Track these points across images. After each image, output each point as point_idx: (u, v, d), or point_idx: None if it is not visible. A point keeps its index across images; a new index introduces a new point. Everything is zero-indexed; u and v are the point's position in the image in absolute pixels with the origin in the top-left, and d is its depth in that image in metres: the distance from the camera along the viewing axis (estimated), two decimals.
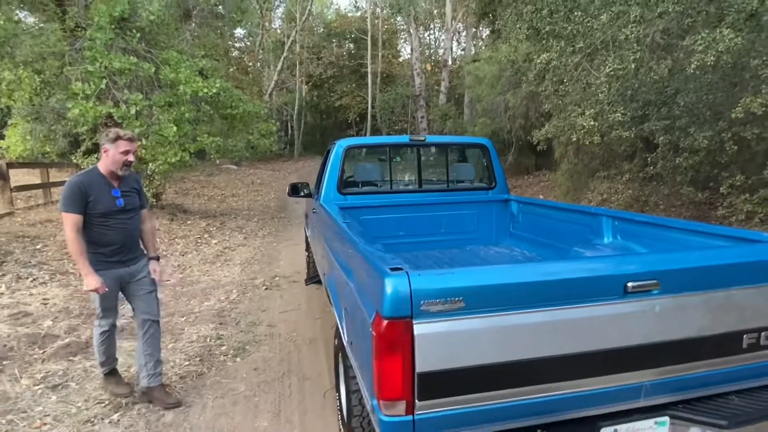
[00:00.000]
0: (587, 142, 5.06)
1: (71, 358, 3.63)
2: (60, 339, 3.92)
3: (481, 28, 25.40)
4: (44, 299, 4.78)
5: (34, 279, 5.28)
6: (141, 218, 3.01)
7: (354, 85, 29.49)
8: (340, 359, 2.77)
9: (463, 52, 24.23)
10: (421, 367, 1.48)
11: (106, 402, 3.04)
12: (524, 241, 3.96)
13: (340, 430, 2.66)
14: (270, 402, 3.11)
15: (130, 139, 2.81)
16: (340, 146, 3.97)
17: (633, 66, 4.09)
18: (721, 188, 5.20)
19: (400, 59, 32.41)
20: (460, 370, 1.51)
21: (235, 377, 3.44)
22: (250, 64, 21.46)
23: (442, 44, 28.15)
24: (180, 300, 5.05)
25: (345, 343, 2.25)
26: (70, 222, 2.66)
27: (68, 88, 6.51)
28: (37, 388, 3.19)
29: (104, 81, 6.30)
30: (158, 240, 3.32)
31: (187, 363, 3.61)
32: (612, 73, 4.26)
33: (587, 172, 8.43)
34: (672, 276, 1.67)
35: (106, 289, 2.74)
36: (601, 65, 4.49)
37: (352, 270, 1.99)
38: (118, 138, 2.75)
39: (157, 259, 3.09)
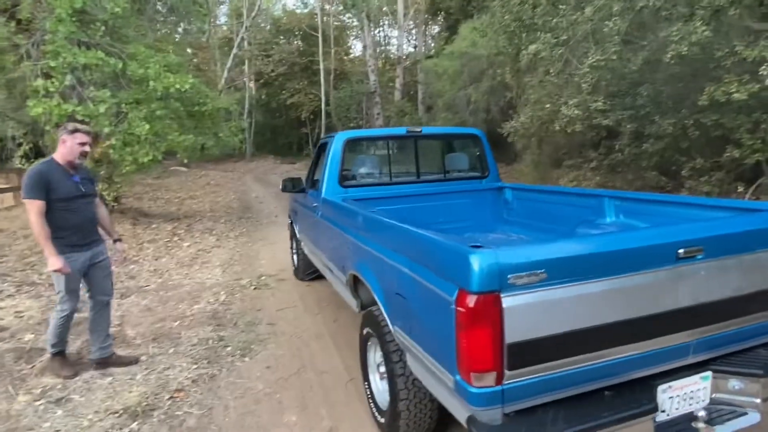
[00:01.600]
0: (568, 131, 5.35)
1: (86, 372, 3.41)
2: (47, 352, 3.66)
3: (431, 25, 25.84)
4: (17, 312, 4.44)
5: (0, 292, 4.88)
6: (99, 202, 3.33)
7: (306, 82, 29.09)
8: (372, 349, 2.80)
9: (414, 50, 24.55)
10: (510, 337, 1.54)
11: (120, 411, 2.89)
12: (520, 226, 4.11)
13: (376, 416, 2.68)
14: (293, 398, 3.08)
15: (88, 132, 3.14)
16: (339, 139, 3.95)
17: (615, 57, 4.39)
18: (683, 171, 5.64)
19: (351, 56, 32.34)
20: (543, 339, 1.58)
21: (249, 377, 3.36)
22: (205, 60, 20.69)
23: (393, 41, 28.41)
24: (168, 304, 4.84)
25: (391, 329, 2.28)
26: (35, 207, 2.88)
27: (29, 85, 6.01)
28: (38, 403, 2.98)
29: (68, 77, 5.87)
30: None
31: (195, 366, 3.48)
32: (595, 64, 4.53)
33: (551, 162, 8.84)
34: (713, 242, 1.82)
35: (68, 270, 2.96)
36: (584, 57, 4.76)
37: (407, 255, 2.02)
38: (76, 130, 3.06)
39: (120, 239, 3.52)
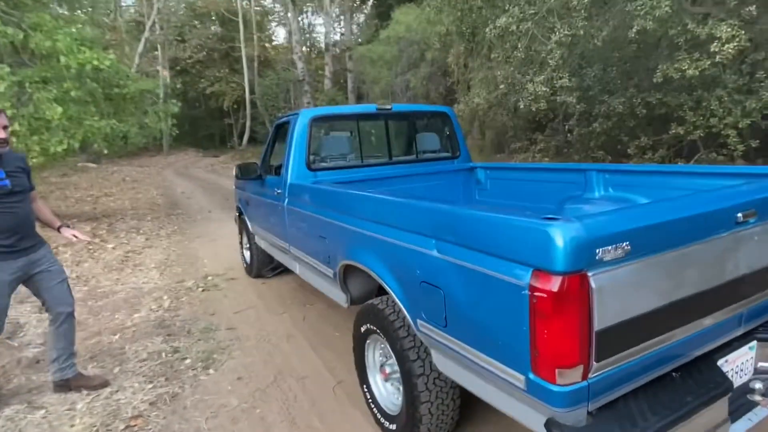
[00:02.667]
0: (533, 108, 5.32)
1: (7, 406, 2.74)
2: None
3: (357, 14, 25.40)
4: None
5: None
6: (32, 198, 2.76)
7: (227, 70, 27.49)
8: (371, 347, 2.49)
9: (342, 37, 24.00)
10: (599, 323, 1.31)
11: None
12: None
13: (382, 422, 2.37)
14: (277, 411, 2.68)
15: None
16: (304, 118, 3.54)
17: (582, 33, 4.37)
18: (628, 150, 5.86)
19: (275, 43, 31.05)
20: (628, 322, 1.37)
21: (218, 392, 2.90)
22: (114, 42, 18.55)
23: (318, 29, 27.65)
24: (101, 315, 4.15)
25: (411, 323, 1.98)
26: None
27: None
28: None
29: None
30: None
31: (150, 386, 2.94)
32: (562, 39, 4.48)
33: (494, 147, 8.93)
34: (764, 204, 1.72)
35: None
36: (549, 32, 4.70)
37: (441, 237, 1.72)
38: None
39: (67, 225, 2.92)
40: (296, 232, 3.39)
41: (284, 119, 3.94)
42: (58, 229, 2.85)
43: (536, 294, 1.30)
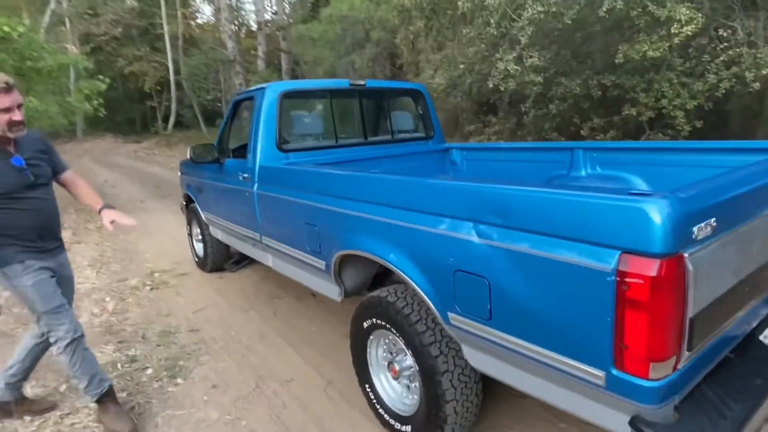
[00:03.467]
0: (502, 88, 5.24)
1: None
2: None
3: None
4: None
5: None
6: (67, 182, 2.37)
7: (148, 48, 25.35)
8: (374, 344, 2.27)
9: (275, 16, 22.92)
10: (693, 309, 1.19)
11: None
12: None
13: (392, 424, 2.17)
14: (266, 421, 2.39)
15: (6, 90, 1.94)
16: (272, 93, 3.17)
17: (554, 10, 4.32)
18: (582, 132, 6.00)
19: (200, 21, 29.06)
20: (712, 305, 1.27)
21: (193, 404, 2.55)
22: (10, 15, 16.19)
23: (247, 6, 26.22)
24: (31, 324, 3.54)
25: (437, 316, 1.78)
26: None
27: None
28: None
29: None
30: None
31: None
32: (534, 17, 4.41)
33: (445, 130, 8.87)
34: None
35: None
36: (521, 8, 4.60)
37: (484, 219, 1.52)
38: None
39: (111, 206, 2.34)
40: (270, 221, 3.05)
41: (245, 95, 3.53)
42: (99, 212, 2.31)
43: (627, 280, 1.15)
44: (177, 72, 23.91)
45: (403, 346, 2.05)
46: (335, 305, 3.28)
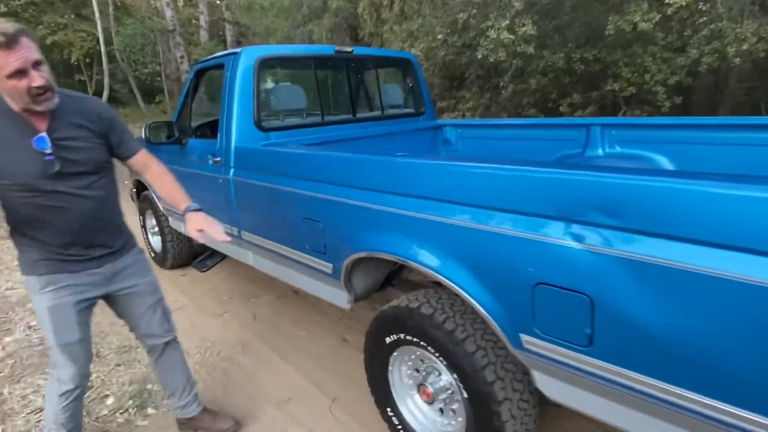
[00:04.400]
0: (491, 59, 4.86)
1: None
2: None
3: None
4: None
5: None
6: (140, 167, 1.76)
7: (72, 15, 22.92)
8: (398, 362, 1.91)
9: None
10: None
11: None
12: None
13: None
14: None
15: (5, 44, 1.31)
16: (248, 59, 2.65)
17: None
18: (561, 108, 5.81)
19: None
20: None
21: None
22: None
23: None
24: None
25: (503, 339, 1.43)
26: None
27: None
28: None
29: None
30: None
31: None
32: None
33: None
34: None
35: None
36: None
37: (606, 221, 1.17)
38: None
39: (198, 208, 1.69)
40: (253, 213, 2.57)
41: (213, 62, 2.97)
42: (184, 213, 1.70)
43: None
44: (109, 43, 21.82)
45: (441, 366, 1.70)
46: (323, 304, 2.87)
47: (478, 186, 1.40)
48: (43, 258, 1.56)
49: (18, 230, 1.56)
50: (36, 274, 1.57)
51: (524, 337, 1.37)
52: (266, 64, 2.75)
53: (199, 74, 3.15)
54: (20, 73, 1.35)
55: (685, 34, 4.98)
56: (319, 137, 2.89)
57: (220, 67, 2.81)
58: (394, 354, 1.90)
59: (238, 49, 2.70)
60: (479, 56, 4.89)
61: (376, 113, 3.35)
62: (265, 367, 2.62)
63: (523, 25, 4.47)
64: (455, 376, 1.62)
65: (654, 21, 4.15)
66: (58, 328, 1.61)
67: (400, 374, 1.95)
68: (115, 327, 3.13)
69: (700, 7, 4.98)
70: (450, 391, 1.77)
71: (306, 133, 2.87)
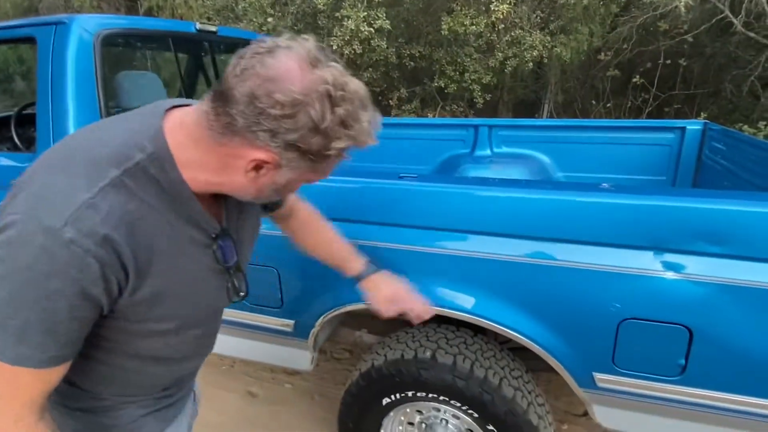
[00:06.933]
0: (346, 52, 4.40)
1: None
2: None
3: None
4: None
5: None
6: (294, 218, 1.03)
7: None
8: (392, 422, 1.60)
9: None
10: None
11: None
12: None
13: None
14: None
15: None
16: (83, 32, 1.79)
17: None
18: (390, 101, 5.95)
19: None
20: None
21: None
22: None
23: None
24: None
25: (573, 386, 1.28)
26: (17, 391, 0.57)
27: None
28: None
29: None
30: None
31: None
32: None
33: None
34: None
35: None
36: None
37: (707, 248, 1.09)
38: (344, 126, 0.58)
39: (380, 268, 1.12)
40: None
41: (15, 32, 1.93)
42: (360, 279, 1.07)
43: None
44: None
45: (449, 414, 1.48)
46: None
47: (530, 215, 1.20)
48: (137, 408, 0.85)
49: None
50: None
51: (598, 376, 1.25)
52: (110, 41, 1.92)
53: None
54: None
55: (491, 38, 5.64)
56: None
57: (31, 40, 1.84)
58: (390, 414, 1.57)
59: (63, 17, 1.81)
60: (334, 47, 4.58)
61: None
62: (243, 405, 1.91)
63: (378, 17, 4.34)
64: (491, 425, 1.41)
65: (485, 25, 4.53)
66: None
67: None
68: None
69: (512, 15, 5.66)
70: None
71: None
